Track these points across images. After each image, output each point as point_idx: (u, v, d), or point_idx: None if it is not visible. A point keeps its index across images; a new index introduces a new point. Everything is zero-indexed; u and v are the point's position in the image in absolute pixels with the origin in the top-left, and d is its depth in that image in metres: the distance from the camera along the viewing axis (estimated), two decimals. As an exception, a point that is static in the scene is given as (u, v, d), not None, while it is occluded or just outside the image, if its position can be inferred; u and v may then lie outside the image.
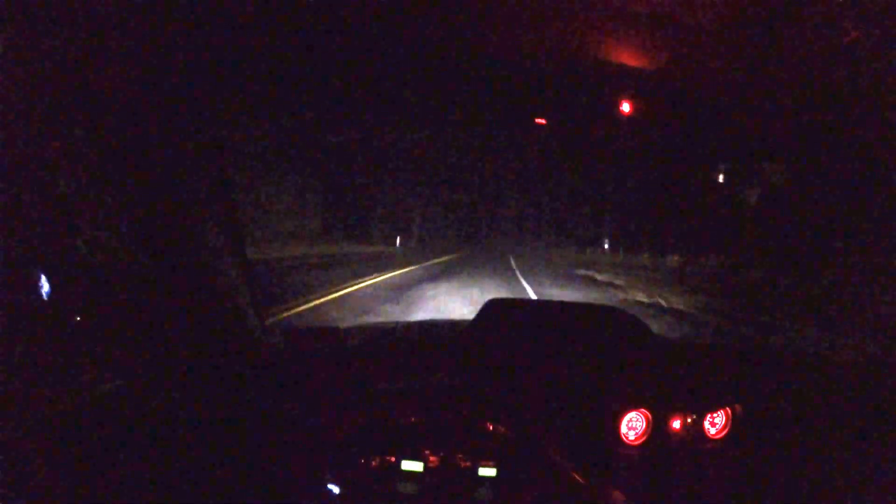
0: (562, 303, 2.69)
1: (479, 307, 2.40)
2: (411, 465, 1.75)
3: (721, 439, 1.91)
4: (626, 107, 2.95)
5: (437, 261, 26.60)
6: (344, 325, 2.49)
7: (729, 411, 1.92)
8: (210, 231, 1.79)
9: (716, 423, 1.92)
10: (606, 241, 34.42)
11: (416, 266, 21.94)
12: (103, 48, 1.48)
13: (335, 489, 1.71)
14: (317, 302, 10.42)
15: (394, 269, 19.73)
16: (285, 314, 8.89)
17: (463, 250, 43.56)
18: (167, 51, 1.61)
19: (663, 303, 13.33)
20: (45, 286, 1.52)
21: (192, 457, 1.65)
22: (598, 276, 21.08)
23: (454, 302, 11.23)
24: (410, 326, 3.36)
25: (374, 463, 1.76)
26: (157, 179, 1.66)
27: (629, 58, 2.32)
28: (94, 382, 1.64)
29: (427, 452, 1.76)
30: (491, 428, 1.80)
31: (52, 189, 1.51)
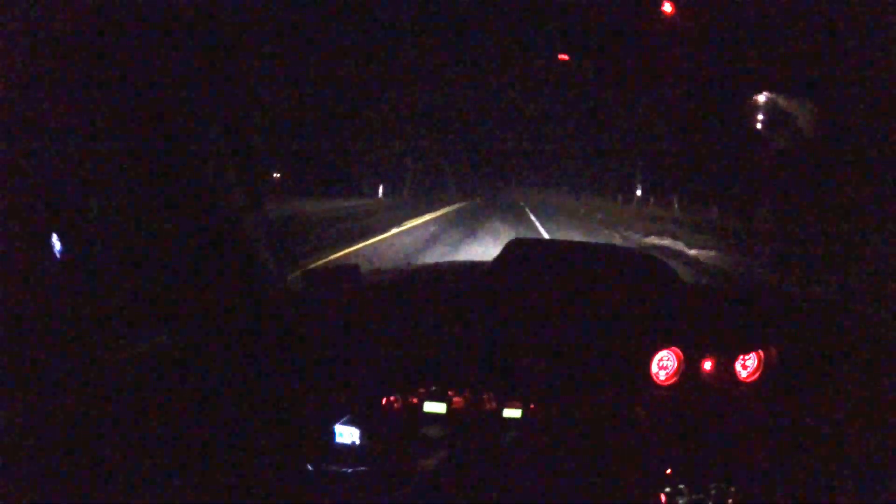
0: (586, 243, 2.63)
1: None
2: (434, 407, 1.74)
3: (752, 383, 1.87)
4: (667, 7, 2.82)
5: (417, 221, 17.55)
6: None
7: (761, 354, 1.87)
8: (230, 185, 1.77)
9: (747, 366, 1.88)
10: (639, 188, 26.90)
11: (385, 233, 13.70)
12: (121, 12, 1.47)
13: (353, 434, 1.70)
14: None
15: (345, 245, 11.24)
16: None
17: (468, 201, 35.46)
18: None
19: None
20: (58, 245, 1.53)
21: (217, 402, 1.66)
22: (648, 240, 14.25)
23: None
24: (431, 267, 3.33)
25: (396, 405, 1.75)
26: (174, 137, 1.64)
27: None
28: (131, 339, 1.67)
29: (450, 393, 1.74)
30: (520, 364, 1.77)
31: (66, 149, 1.51)
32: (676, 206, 21.22)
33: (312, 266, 2.48)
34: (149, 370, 1.67)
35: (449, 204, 28.36)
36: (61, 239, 1.54)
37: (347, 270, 2.14)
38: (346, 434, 1.71)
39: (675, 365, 1.82)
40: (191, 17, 1.67)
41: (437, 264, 3.12)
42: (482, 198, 38.04)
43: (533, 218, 19.61)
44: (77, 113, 1.50)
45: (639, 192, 26.96)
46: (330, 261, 8.16)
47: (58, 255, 1.54)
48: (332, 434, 1.71)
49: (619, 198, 28.36)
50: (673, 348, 1.82)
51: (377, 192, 28.98)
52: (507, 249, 2.32)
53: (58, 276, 1.56)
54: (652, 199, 25.00)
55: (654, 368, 1.82)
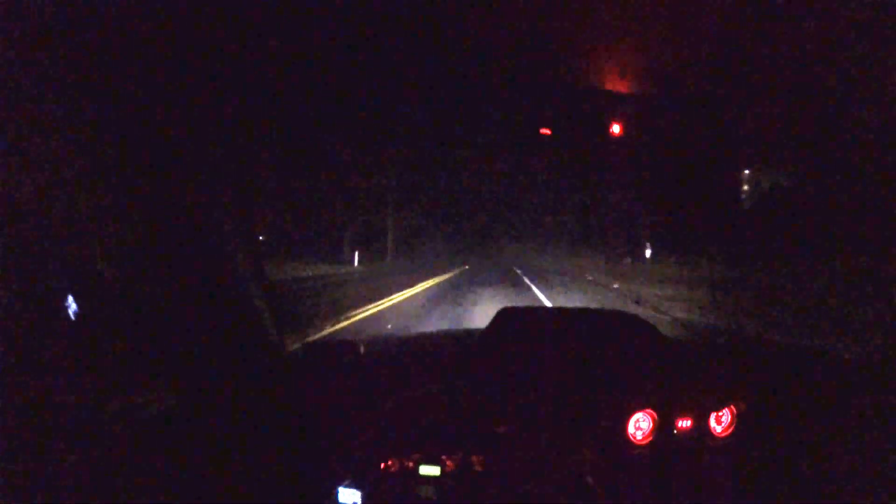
0: (572, 309, 2.78)
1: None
2: (429, 470, 1.83)
3: (726, 437, 1.97)
4: (616, 128, 3.09)
5: (398, 298, 13.71)
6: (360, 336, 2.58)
7: (734, 409, 1.99)
8: (233, 252, 1.89)
9: (721, 421, 1.99)
10: (648, 248, 24.16)
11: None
12: (132, 70, 1.58)
13: (354, 495, 1.79)
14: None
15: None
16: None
17: (460, 267, 31.16)
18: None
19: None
20: (73, 306, 1.62)
21: (220, 464, 1.74)
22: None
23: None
24: (426, 336, 3.45)
25: (393, 468, 1.84)
26: (178, 201, 1.76)
27: (619, 84, 2.44)
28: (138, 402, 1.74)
29: (444, 457, 1.84)
30: (504, 429, 1.88)
31: (76, 212, 1.60)
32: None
33: (312, 339, 2.60)
34: (155, 432, 1.74)
35: (436, 274, 23.04)
36: (77, 301, 1.63)
37: (346, 344, 2.27)
38: (348, 495, 1.79)
39: (651, 425, 1.93)
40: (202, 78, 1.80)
41: (432, 333, 3.24)
42: (471, 266, 34.04)
43: (537, 292, 15.71)
44: (91, 180, 1.59)
45: (648, 252, 24.38)
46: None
47: (73, 316, 1.62)
48: (335, 496, 1.79)
49: (629, 260, 24.83)
50: (648, 410, 1.93)
51: (354, 259, 25.42)
52: (497, 318, 2.46)
53: (72, 335, 1.64)
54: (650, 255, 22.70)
55: (630, 429, 1.92)
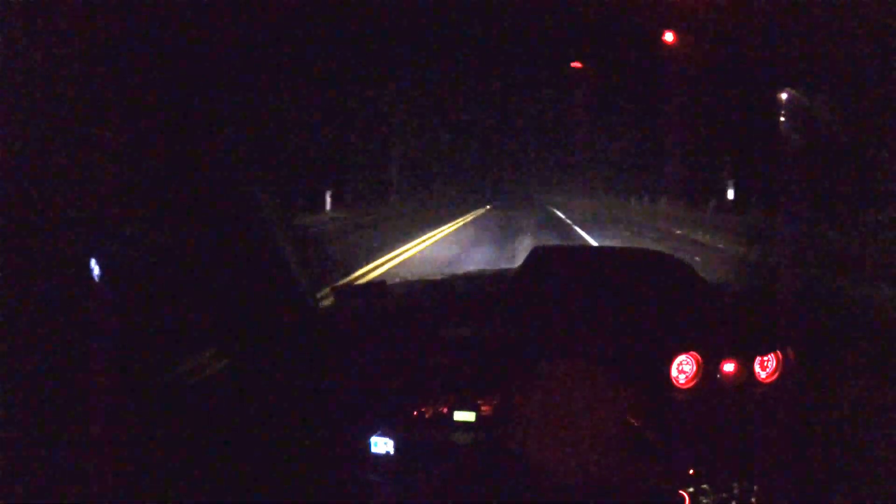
0: (609, 248, 2.69)
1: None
2: (464, 416, 1.81)
3: (771, 383, 1.91)
4: (668, 36, 2.86)
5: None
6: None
7: (780, 355, 1.92)
8: (260, 200, 1.85)
9: (766, 367, 1.92)
10: (730, 188, 18.06)
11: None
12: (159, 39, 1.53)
13: (387, 444, 1.78)
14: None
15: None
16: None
17: (482, 207, 26.01)
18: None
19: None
20: (96, 269, 1.59)
21: (253, 419, 1.75)
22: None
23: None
24: (457, 277, 3.41)
25: (427, 414, 1.82)
26: (208, 154, 1.73)
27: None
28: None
29: (479, 402, 1.81)
30: (538, 372, 1.84)
31: (101, 174, 1.55)
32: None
33: (341, 283, 2.58)
34: (189, 389, 1.76)
35: (443, 220, 17.13)
36: (99, 262, 1.63)
37: (375, 286, 2.23)
38: (381, 444, 1.79)
39: (694, 369, 1.87)
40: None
41: (463, 274, 3.20)
42: (498, 208, 27.85)
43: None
44: (112, 136, 1.55)
45: (731, 194, 18.06)
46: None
47: (96, 279, 1.59)
48: (368, 445, 1.79)
49: (713, 202, 17.72)
50: (692, 353, 1.86)
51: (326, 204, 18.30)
52: (531, 257, 2.39)
53: (97, 299, 1.64)
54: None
55: (673, 372, 1.86)
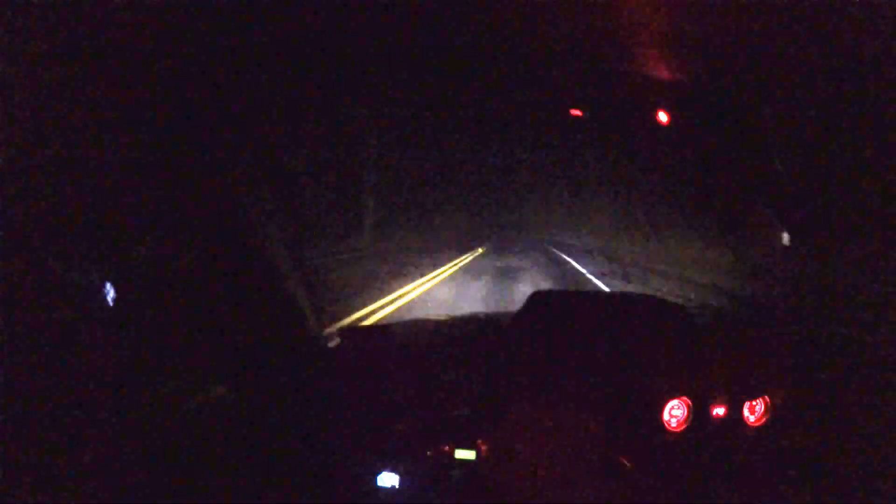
0: (604, 293, 2.77)
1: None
2: (465, 454, 1.87)
3: (760, 427, 1.97)
4: (663, 116, 2.95)
5: None
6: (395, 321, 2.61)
7: (768, 399, 1.98)
8: (274, 240, 1.93)
9: (755, 411, 1.98)
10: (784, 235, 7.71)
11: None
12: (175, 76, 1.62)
13: (393, 479, 1.84)
14: None
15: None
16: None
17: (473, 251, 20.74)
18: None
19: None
20: (111, 292, 1.64)
21: (261, 452, 1.80)
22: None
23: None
24: (459, 320, 3.49)
25: (430, 453, 1.89)
26: (225, 191, 1.81)
27: (662, 69, 2.37)
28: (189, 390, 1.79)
29: (479, 441, 1.88)
30: (535, 414, 1.91)
31: (115, 201, 1.63)
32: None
33: (347, 324, 2.65)
34: (196, 424, 1.80)
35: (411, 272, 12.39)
36: (115, 288, 1.65)
37: (380, 328, 2.31)
38: (387, 480, 1.85)
39: (685, 413, 1.94)
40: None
41: (465, 317, 3.28)
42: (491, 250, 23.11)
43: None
44: (129, 166, 1.61)
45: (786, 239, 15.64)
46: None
47: (111, 303, 1.63)
48: (375, 481, 1.85)
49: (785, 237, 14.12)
50: (683, 398, 1.93)
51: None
52: (530, 301, 2.48)
53: (110, 325, 1.65)
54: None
55: (665, 416, 1.93)
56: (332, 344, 2.21)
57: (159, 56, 1.60)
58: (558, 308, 2.55)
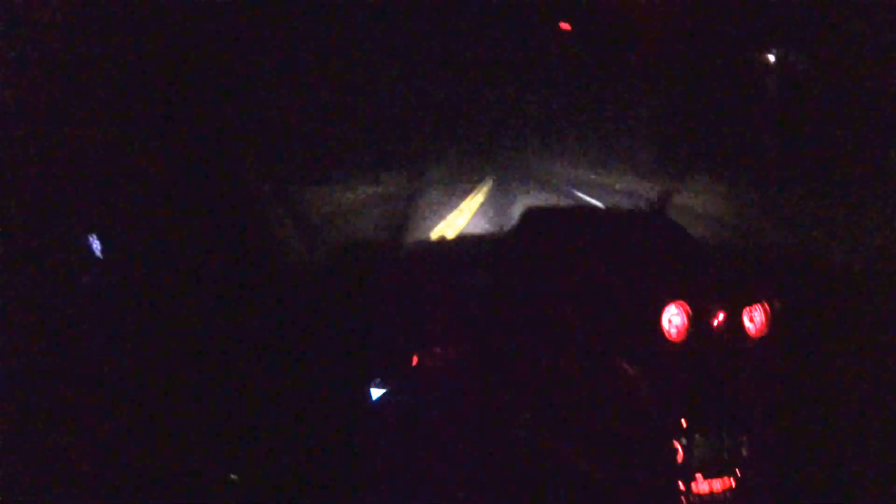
0: (599, 208, 2.75)
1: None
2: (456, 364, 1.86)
3: (760, 339, 1.95)
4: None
5: None
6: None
7: (767, 307, 1.96)
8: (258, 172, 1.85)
9: (755, 320, 1.96)
10: None
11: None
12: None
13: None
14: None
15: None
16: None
17: None
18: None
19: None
20: (97, 244, 1.62)
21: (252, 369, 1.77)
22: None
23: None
24: (451, 241, 3.47)
25: (423, 361, 1.87)
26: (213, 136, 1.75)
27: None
28: None
29: (476, 346, 1.86)
30: (536, 321, 1.88)
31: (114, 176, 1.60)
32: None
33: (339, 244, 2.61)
34: (197, 353, 1.77)
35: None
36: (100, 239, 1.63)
37: (371, 245, 2.27)
38: (377, 392, 1.85)
39: (685, 321, 1.90)
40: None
41: (457, 237, 3.27)
42: None
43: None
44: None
45: None
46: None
47: (98, 254, 1.62)
48: (368, 394, 1.84)
49: None
50: (681, 301, 1.89)
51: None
52: (523, 219, 2.43)
53: (98, 274, 1.64)
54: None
55: (665, 325, 1.90)
56: (319, 263, 2.17)
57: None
58: (552, 224, 2.50)
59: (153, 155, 1.70)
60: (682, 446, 1.73)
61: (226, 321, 1.87)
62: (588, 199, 12.51)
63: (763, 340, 1.95)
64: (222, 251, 1.83)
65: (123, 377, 1.57)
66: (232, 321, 1.87)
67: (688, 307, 1.90)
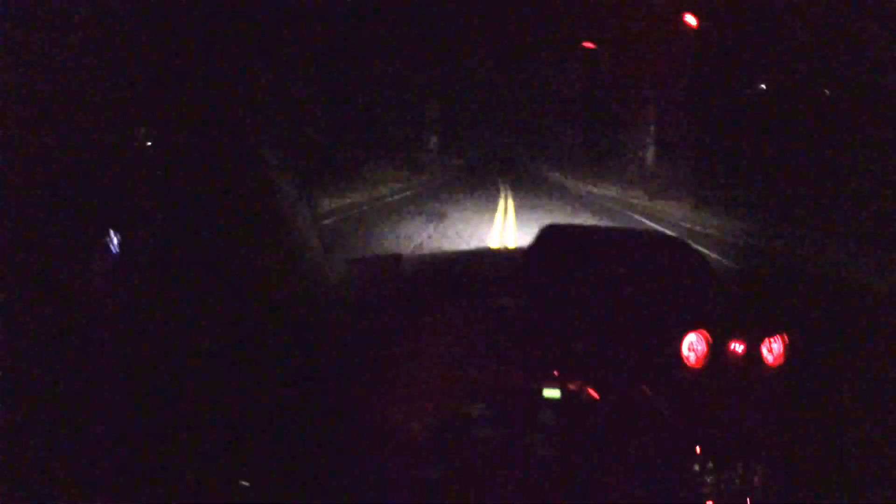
0: (618, 228, 2.73)
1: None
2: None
3: (778, 367, 1.94)
4: (691, 19, 2.79)
5: None
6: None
7: (786, 337, 1.95)
8: (280, 177, 1.86)
9: (773, 350, 1.95)
10: None
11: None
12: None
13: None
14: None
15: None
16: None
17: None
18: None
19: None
20: (116, 239, 1.59)
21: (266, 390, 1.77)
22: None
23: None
24: (469, 253, 3.45)
25: (437, 385, 1.86)
26: (233, 131, 1.75)
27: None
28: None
29: (496, 377, 1.85)
30: (556, 349, 1.87)
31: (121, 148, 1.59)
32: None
33: (356, 257, 2.59)
34: (211, 356, 1.77)
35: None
36: (119, 234, 1.62)
37: (389, 260, 2.26)
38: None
39: (704, 349, 1.90)
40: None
41: (475, 251, 3.24)
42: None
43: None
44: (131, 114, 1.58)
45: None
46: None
47: (115, 250, 1.59)
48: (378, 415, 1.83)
49: None
50: (702, 330, 1.89)
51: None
52: (541, 236, 2.42)
53: (115, 271, 1.62)
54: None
55: (685, 351, 1.89)
56: (340, 275, 2.16)
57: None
58: (572, 243, 2.49)
59: (174, 155, 1.70)
60: (695, 472, 1.72)
61: (242, 326, 1.87)
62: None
63: (780, 370, 1.95)
64: (241, 251, 1.83)
65: (138, 379, 1.57)
66: (247, 327, 1.87)
67: (708, 336, 1.90)
